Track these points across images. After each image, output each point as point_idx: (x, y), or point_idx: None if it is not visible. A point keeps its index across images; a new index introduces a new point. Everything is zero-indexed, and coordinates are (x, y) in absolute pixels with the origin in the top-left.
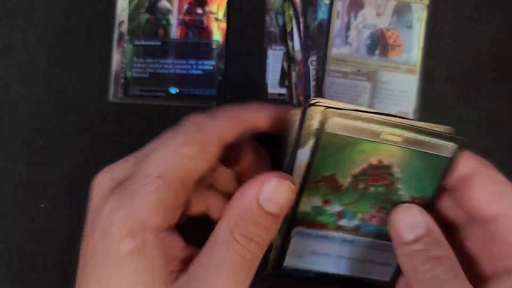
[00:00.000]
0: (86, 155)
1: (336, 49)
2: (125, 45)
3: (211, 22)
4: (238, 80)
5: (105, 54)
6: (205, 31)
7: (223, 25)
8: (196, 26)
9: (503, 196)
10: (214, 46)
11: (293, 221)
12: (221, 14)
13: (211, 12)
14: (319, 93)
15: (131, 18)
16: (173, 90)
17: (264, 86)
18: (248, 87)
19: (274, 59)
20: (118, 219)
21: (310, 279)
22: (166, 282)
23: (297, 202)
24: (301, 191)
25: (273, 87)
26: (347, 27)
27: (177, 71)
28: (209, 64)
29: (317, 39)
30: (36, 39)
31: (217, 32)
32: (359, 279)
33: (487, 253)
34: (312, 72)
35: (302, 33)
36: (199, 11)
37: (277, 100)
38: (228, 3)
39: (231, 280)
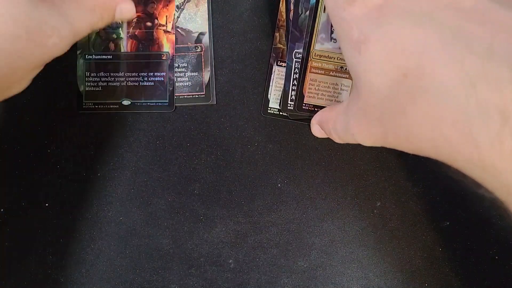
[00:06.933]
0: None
1: (320, 45)
2: (76, 60)
3: (160, 34)
4: (240, 84)
5: (68, 66)
6: (155, 43)
7: (172, 37)
8: (146, 39)
9: None
10: (164, 57)
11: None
12: (170, 26)
13: (160, 25)
14: (300, 89)
15: None
16: (126, 102)
17: (266, 101)
18: (249, 91)
19: (279, 75)
20: None
21: None
22: None
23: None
24: None
25: (275, 102)
26: None
27: (129, 83)
28: (160, 76)
29: (306, 30)
30: None
31: (167, 44)
32: None
33: None
34: (295, 65)
35: (291, 23)
36: (149, 24)
37: (278, 115)
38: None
39: None
